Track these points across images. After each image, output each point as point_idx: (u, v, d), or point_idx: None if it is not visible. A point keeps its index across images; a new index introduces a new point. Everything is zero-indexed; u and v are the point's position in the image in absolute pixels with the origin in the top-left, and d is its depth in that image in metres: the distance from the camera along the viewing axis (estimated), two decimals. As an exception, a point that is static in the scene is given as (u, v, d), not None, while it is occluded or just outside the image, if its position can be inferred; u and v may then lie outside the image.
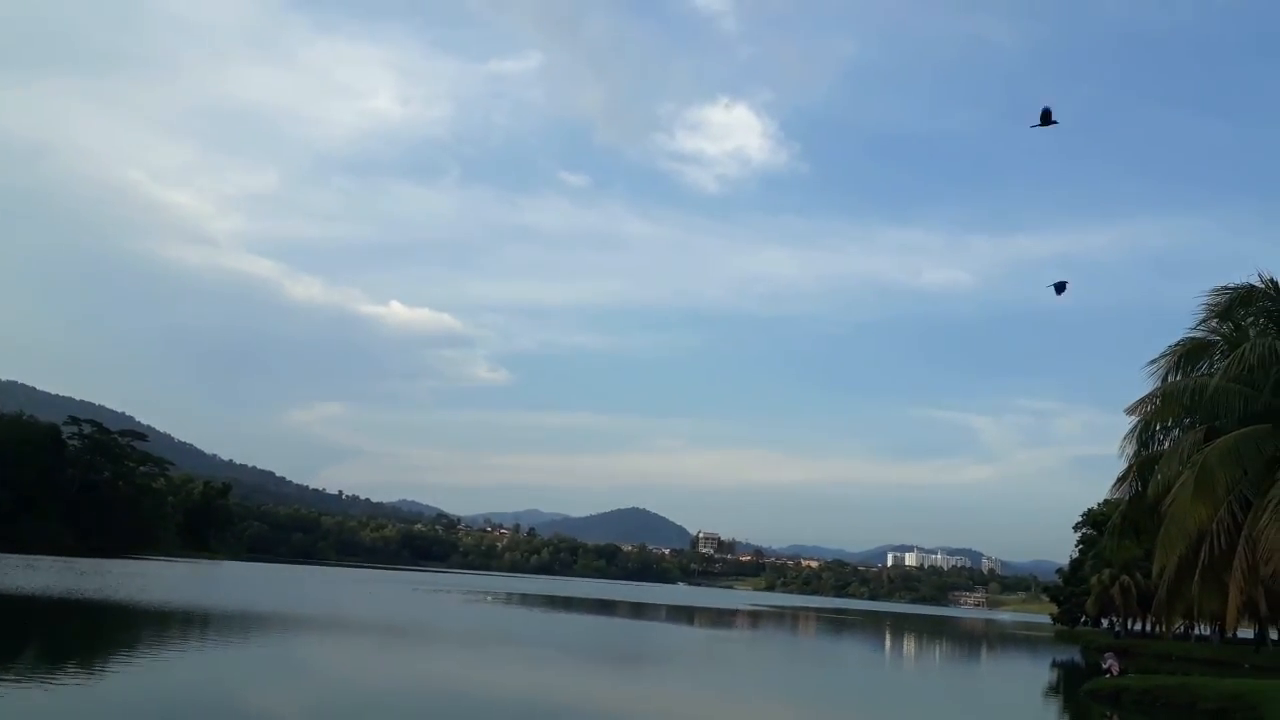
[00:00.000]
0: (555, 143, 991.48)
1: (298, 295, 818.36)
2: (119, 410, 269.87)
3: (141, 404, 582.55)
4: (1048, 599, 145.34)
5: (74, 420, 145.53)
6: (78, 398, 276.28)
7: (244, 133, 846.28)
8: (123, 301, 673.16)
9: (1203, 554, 22.59)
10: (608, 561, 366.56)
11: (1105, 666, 40.51)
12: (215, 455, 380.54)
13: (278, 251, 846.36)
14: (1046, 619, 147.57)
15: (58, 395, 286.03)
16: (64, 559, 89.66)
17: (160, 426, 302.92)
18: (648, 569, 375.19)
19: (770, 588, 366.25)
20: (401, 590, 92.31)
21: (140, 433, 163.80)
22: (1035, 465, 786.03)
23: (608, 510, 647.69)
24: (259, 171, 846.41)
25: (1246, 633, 68.90)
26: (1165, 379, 28.14)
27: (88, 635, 32.47)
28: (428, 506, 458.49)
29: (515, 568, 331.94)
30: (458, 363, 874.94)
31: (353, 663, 30.61)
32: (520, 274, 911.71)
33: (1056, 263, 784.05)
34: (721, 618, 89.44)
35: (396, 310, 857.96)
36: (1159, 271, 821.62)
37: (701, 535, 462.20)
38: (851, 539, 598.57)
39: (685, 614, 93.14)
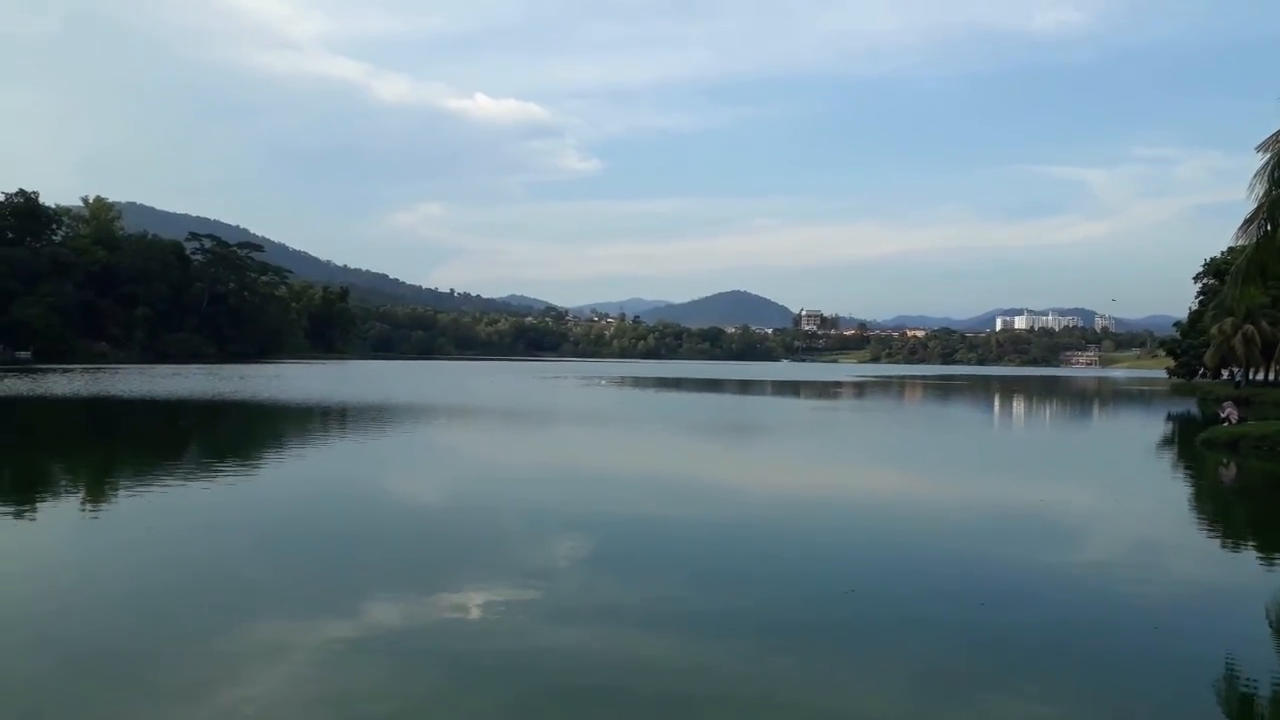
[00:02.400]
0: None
1: (385, 95, 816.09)
2: (233, 224, 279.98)
3: (253, 216, 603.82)
4: (1164, 354, 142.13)
5: (194, 236, 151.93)
6: (194, 214, 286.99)
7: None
8: (217, 115, 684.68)
9: (1335, 295, 21.69)
10: (712, 344, 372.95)
11: (1223, 415, 40.04)
12: (330, 261, 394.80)
13: (360, 51, 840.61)
14: (1162, 374, 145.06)
15: (174, 213, 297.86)
16: (206, 365, 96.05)
17: (274, 237, 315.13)
18: (751, 349, 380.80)
19: (875, 359, 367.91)
20: (522, 378, 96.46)
21: (257, 244, 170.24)
22: (1153, 217, 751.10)
23: (709, 294, 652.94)
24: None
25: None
26: (1304, 111, 26.13)
27: (240, 432, 35.27)
28: (536, 300, 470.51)
29: (624, 354, 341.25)
30: (548, 154, 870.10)
31: (490, 444, 32.65)
32: (602, 54, 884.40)
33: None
34: (827, 389, 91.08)
35: (482, 103, 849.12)
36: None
37: (804, 313, 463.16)
38: (958, 306, 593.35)
39: (791, 387, 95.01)
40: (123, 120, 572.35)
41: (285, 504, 18.23)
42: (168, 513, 16.72)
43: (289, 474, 22.91)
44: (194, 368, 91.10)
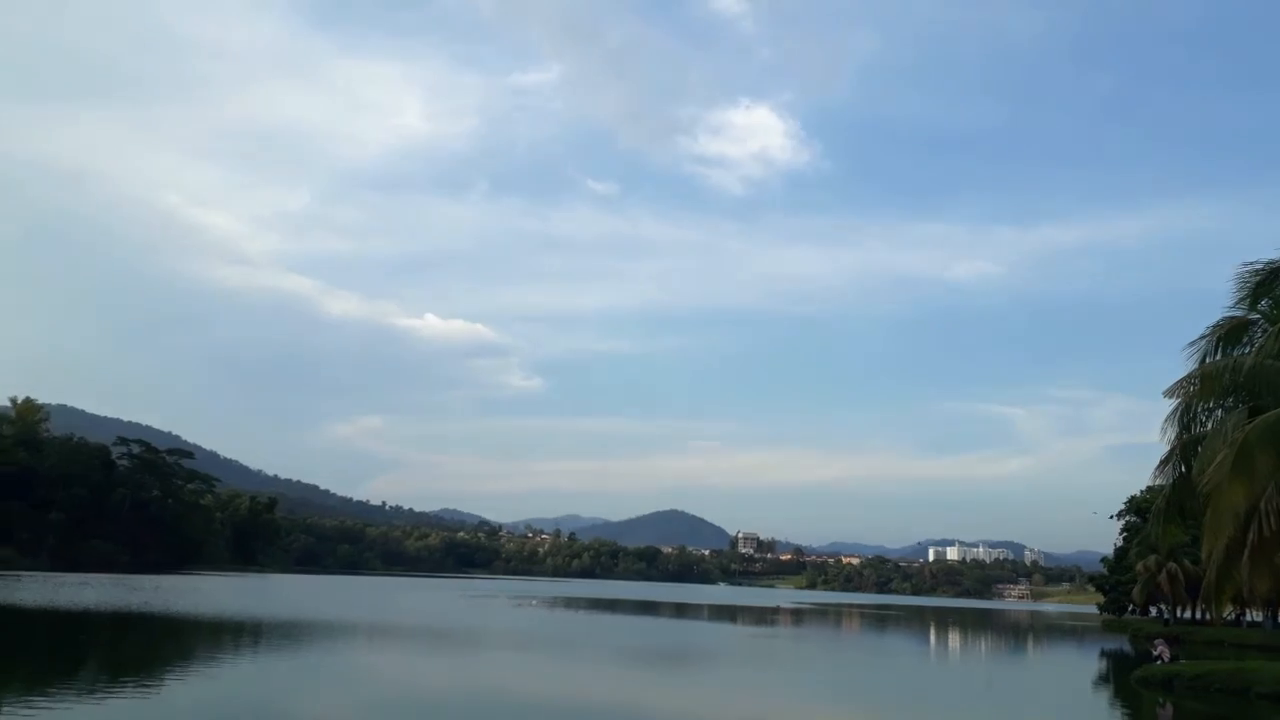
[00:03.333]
0: (580, 151, 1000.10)
1: (335, 311, 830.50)
2: (165, 430, 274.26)
3: (187, 423, 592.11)
4: (1093, 589, 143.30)
5: (123, 441, 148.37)
6: (125, 419, 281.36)
7: (276, 153, 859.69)
8: (166, 324, 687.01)
9: (1251, 534, 22.35)
10: (648, 564, 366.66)
11: (1156, 653, 40.10)
12: (261, 471, 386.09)
13: (314, 269, 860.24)
14: (1093, 609, 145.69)
15: (106, 417, 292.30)
16: (117, 575, 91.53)
17: (206, 444, 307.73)
18: (688, 570, 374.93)
19: (811, 586, 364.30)
20: (449, 597, 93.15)
21: (187, 451, 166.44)
22: (1073, 455, 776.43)
23: (646, 513, 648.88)
24: (292, 191, 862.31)
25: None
26: (1204, 360, 27.84)
27: (144, 648, 33.23)
28: (470, 514, 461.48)
29: (557, 572, 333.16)
30: (493, 372, 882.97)
31: (405, 669, 31.10)
32: (550, 283, 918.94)
33: (1083, 250, 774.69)
34: (764, 616, 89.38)
35: (431, 322, 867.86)
36: (1190, 255, 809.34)
37: (741, 535, 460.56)
38: (892, 535, 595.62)
39: (728, 613, 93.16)
40: (66, 325, 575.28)
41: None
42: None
43: (190, 697, 21.47)
44: (104, 577, 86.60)
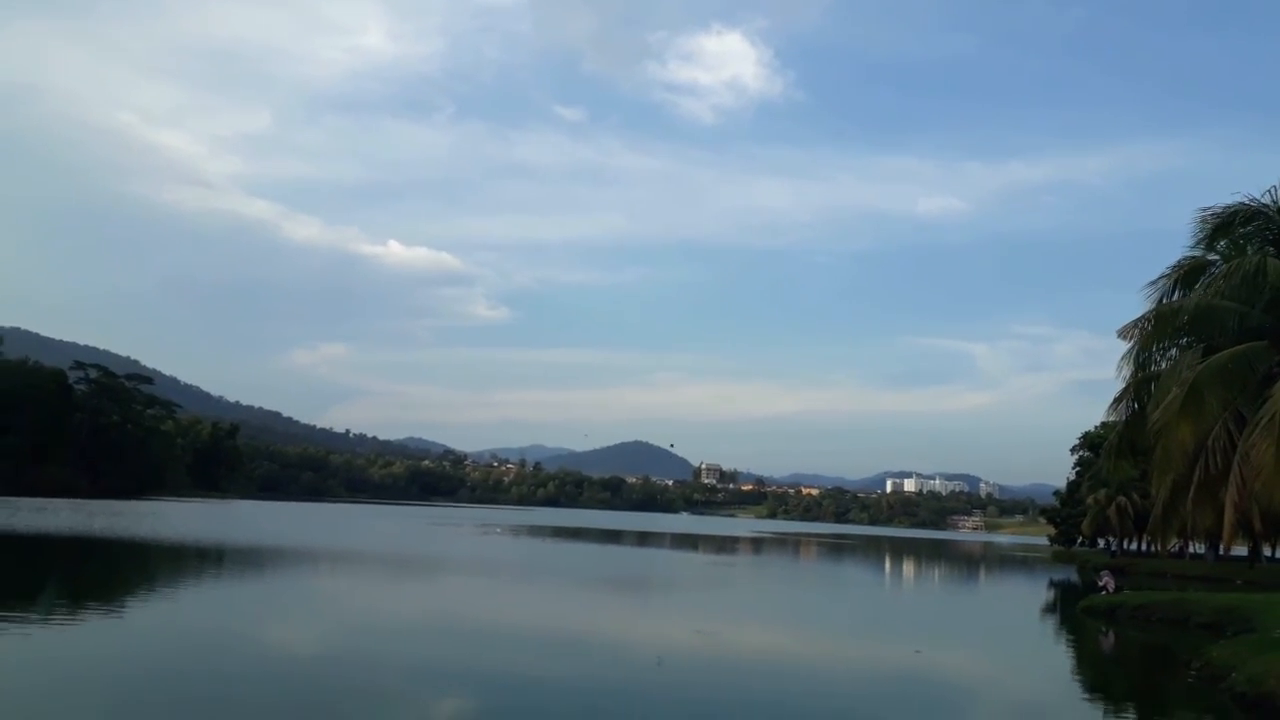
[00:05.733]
0: (548, 76, 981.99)
1: (296, 236, 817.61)
2: (124, 354, 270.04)
3: (146, 348, 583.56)
4: (1045, 521, 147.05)
5: (80, 365, 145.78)
6: (82, 342, 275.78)
7: (234, 72, 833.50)
8: (122, 246, 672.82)
9: (1198, 471, 22.90)
10: (612, 493, 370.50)
11: (1101, 584, 41.36)
12: (222, 397, 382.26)
13: (274, 192, 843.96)
14: (1044, 541, 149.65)
15: (62, 340, 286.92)
16: (76, 501, 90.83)
17: (166, 370, 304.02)
18: (652, 500, 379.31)
19: (772, 515, 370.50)
20: (413, 524, 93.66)
21: (146, 376, 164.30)
22: (1032, 390, 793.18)
23: (611, 444, 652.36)
24: (251, 112, 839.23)
25: (1240, 550, 70.01)
26: (1162, 300, 28.18)
27: (105, 573, 33.13)
28: (434, 443, 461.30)
29: (522, 501, 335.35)
30: (457, 301, 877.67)
31: (370, 595, 31.33)
32: (516, 211, 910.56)
33: (1050, 187, 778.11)
34: (725, 544, 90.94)
35: (395, 249, 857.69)
36: (1154, 194, 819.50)
37: (704, 466, 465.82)
38: (851, 467, 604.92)
39: (690, 541, 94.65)
40: (19, 245, 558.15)
41: (145, 656, 17.05)
42: (10, 667, 15.43)
43: (153, 621, 21.51)
44: (62, 502, 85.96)
